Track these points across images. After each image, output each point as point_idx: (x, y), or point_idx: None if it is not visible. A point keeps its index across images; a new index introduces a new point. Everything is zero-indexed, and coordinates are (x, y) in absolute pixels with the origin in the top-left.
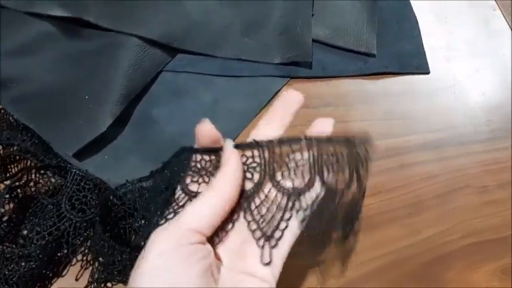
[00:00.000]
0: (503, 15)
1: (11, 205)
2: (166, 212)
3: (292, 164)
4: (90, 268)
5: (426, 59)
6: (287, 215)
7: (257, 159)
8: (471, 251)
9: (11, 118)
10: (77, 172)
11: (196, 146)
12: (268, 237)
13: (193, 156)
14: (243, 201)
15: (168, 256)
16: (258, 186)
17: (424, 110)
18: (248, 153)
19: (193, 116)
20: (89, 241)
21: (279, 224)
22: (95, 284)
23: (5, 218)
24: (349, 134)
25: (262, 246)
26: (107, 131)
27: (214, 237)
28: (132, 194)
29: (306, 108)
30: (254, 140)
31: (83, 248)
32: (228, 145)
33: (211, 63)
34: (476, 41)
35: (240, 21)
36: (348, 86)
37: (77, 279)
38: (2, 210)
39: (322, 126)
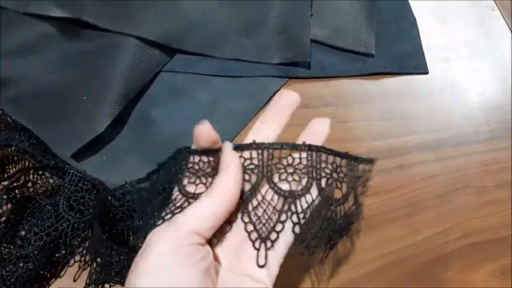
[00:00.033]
0: (502, 16)
1: (9, 206)
2: (163, 213)
3: (289, 168)
4: (88, 269)
5: (425, 59)
6: (283, 217)
7: (255, 161)
8: (470, 251)
9: (9, 118)
10: (75, 173)
11: (194, 146)
12: (264, 239)
13: (191, 157)
14: (240, 202)
15: (167, 256)
16: (255, 188)
17: (423, 110)
18: (246, 154)
19: (192, 116)
20: (87, 242)
21: (274, 226)
22: (93, 285)
23: (3, 219)
24: (352, 152)
25: (258, 248)
26: (105, 132)
27: (213, 238)
28: (130, 195)
29: (305, 109)
30: (253, 141)
31: (81, 249)
32: (227, 147)
33: (209, 64)
34: (475, 41)
35: (239, 22)
36: (347, 86)
37: (74, 280)
38: (0, 211)
39: (319, 126)
